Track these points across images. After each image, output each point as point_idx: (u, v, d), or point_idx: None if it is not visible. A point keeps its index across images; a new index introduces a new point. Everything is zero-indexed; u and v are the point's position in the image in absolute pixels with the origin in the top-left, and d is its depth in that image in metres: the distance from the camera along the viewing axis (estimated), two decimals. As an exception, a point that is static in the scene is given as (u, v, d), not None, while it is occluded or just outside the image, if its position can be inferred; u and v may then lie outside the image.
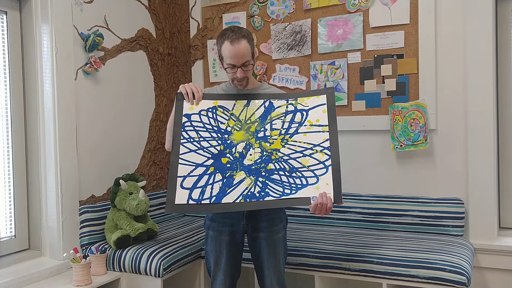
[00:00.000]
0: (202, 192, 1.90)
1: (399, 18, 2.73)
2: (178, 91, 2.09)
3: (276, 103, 2.06)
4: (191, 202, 1.88)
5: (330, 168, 1.87)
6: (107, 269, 2.44)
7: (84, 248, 2.53)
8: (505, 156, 2.65)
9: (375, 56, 2.80)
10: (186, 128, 2.02)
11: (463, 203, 2.58)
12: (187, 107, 2.06)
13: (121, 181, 2.54)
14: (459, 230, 2.57)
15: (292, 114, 2.02)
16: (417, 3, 2.68)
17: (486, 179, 2.55)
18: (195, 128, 2.02)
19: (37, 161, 2.47)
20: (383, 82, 2.78)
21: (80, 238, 2.54)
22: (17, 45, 2.46)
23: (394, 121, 2.72)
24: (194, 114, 2.04)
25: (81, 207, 2.56)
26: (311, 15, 2.96)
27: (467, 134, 2.59)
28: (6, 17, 2.41)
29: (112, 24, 2.81)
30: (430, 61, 2.66)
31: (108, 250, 2.47)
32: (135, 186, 2.58)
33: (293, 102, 2.05)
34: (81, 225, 2.54)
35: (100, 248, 2.45)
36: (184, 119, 2.03)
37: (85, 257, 2.34)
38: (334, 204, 1.82)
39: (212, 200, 1.87)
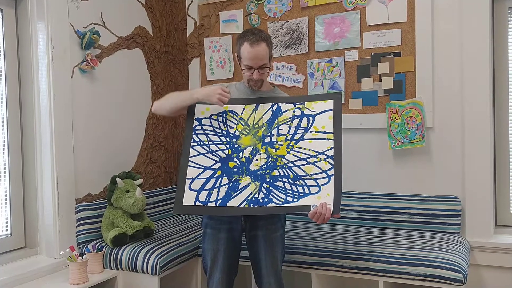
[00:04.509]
0: (209, 195, 1.96)
1: (396, 16, 2.73)
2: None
3: (283, 106, 2.08)
4: (198, 204, 1.95)
5: (332, 178, 1.91)
6: (104, 267, 2.44)
7: (80, 246, 2.52)
8: (502, 154, 2.66)
9: (372, 54, 2.80)
10: (197, 132, 2.08)
11: (459, 201, 2.59)
12: (199, 111, 2.11)
13: (117, 179, 2.54)
14: (455, 227, 2.58)
15: (299, 119, 2.04)
16: (414, 1, 2.68)
17: (483, 177, 2.55)
18: (205, 131, 2.07)
19: (33, 159, 2.46)
20: (380, 80, 2.78)
21: (76, 236, 2.53)
22: (13, 42, 2.44)
23: (391, 119, 2.72)
24: (205, 118, 2.10)
25: (77, 205, 2.55)
26: (308, 13, 2.96)
27: (463, 132, 2.60)
28: (2, 14, 2.40)
29: (108, 22, 2.80)
30: (427, 59, 2.66)
31: (105, 248, 2.46)
32: (131, 184, 2.58)
33: (301, 106, 2.07)
34: (78, 223, 2.53)
35: (96, 246, 2.44)
36: (195, 122, 2.09)
37: (81, 255, 2.33)
38: (332, 216, 1.85)
39: (217, 203, 1.93)
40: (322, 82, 2.92)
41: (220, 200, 1.94)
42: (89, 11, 2.67)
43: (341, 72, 2.88)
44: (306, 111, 2.05)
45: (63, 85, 2.47)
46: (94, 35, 2.62)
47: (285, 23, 3.02)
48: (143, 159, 3.09)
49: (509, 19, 2.63)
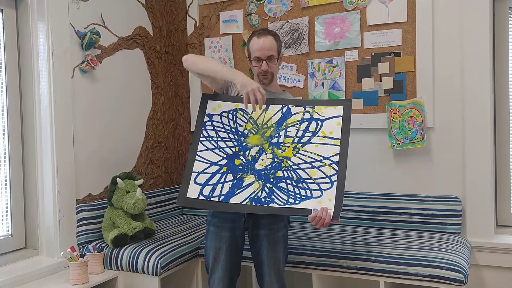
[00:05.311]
0: (213, 190, 1.98)
1: (397, 16, 2.73)
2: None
3: (293, 109, 2.10)
4: (201, 197, 1.98)
5: (335, 184, 1.92)
6: (104, 268, 2.44)
7: (81, 246, 2.52)
8: (502, 154, 2.66)
9: (373, 54, 2.80)
10: (207, 127, 2.11)
11: (460, 201, 2.59)
12: (210, 108, 2.13)
13: (118, 179, 2.54)
14: (456, 228, 2.58)
15: (307, 122, 2.06)
16: (414, 1, 2.68)
17: (483, 177, 2.55)
18: (215, 128, 2.10)
19: (33, 159, 2.46)
20: (381, 80, 2.78)
21: (77, 237, 2.53)
22: (13, 43, 2.44)
23: (392, 119, 2.72)
24: (216, 114, 2.12)
25: (78, 205, 2.55)
26: (308, 13, 2.96)
27: (464, 132, 2.59)
28: (2, 15, 2.40)
29: (109, 22, 2.80)
30: (428, 59, 2.66)
31: (105, 249, 2.46)
32: (132, 185, 2.58)
33: (310, 110, 2.09)
34: (78, 223, 2.53)
35: (97, 246, 2.45)
36: (206, 118, 2.12)
37: (82, 255, 2.33)
38: (331, 221, 1.87)
39: (220, 199, 1.96)
40: (323, 82, 2.92)
41: (223, 196, 1.96)
42: (90, 12, 2.67)
43: (341, 72, 2.87)
44: (315, 115, 2.07)
45: (63, 85, 2.47)
46: (94, 36, 2.62)
47: (285, 23, 3.02)
48: (143, 159, 3.09)
49: (509, 19, 2.62)
